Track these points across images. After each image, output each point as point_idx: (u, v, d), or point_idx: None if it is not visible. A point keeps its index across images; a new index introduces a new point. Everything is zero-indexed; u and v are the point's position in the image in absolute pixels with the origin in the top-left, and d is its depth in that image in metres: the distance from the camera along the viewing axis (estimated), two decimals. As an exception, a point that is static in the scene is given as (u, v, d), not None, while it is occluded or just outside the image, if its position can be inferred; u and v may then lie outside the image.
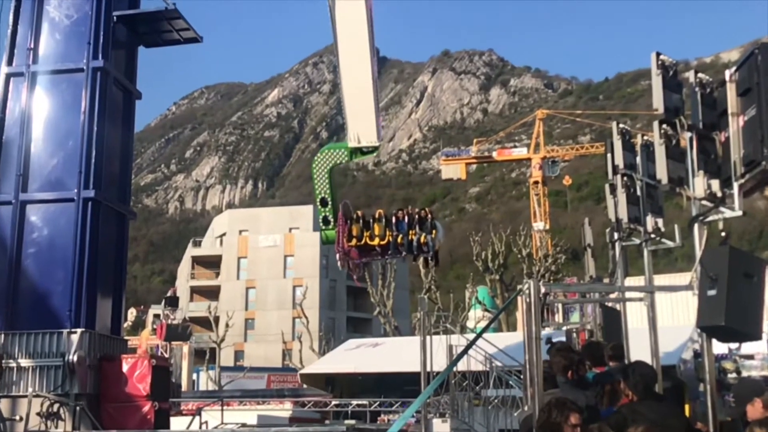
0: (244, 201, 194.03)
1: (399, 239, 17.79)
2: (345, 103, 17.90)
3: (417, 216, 18.08)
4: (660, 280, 23.60)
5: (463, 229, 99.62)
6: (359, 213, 18.41)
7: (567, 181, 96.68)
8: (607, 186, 11.50)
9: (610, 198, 11.22)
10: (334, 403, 27.20)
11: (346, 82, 17.87)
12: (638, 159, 10.18)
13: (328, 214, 18.14)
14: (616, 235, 11.29)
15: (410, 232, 17.86)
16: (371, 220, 18.18)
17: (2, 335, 13.90)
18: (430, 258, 18.31)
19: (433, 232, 17.83)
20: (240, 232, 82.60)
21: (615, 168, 10.42)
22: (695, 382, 11.47)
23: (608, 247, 12.72)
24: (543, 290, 7.45)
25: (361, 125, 17.60)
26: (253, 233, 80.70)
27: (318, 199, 18.27)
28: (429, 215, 18.10)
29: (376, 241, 17.93)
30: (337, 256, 18.10)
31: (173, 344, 35.31)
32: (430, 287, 49.11)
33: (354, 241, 17.91)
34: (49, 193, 14.90)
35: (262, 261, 79.48)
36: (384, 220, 18.11)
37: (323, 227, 18.27)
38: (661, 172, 7.05)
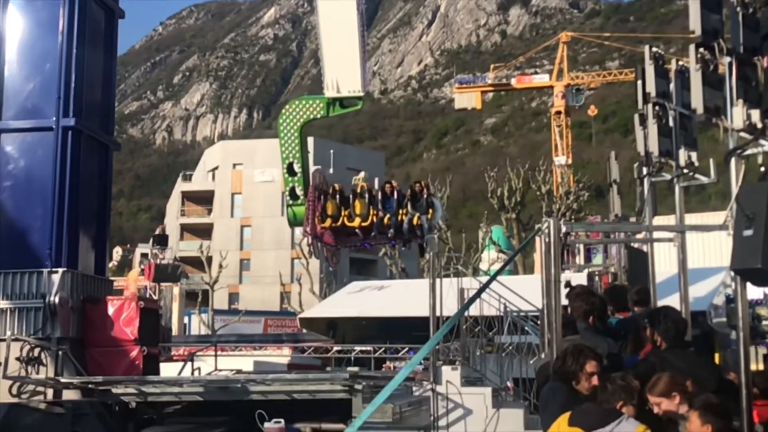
0: (238, 132, 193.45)
1: (385, 220, 15.71)
2: (322, 43, 16.02)
3: (410, 191, 16.04)
4: (691, 219, 23.62)
5: (478, 164, 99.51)
6: (336, 186, 16.35)
7: (592, 111, 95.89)
8: (636, 116, 11.44)
9: (639, 129, 11.17)
10: (335, 349, 27.56)
11: (324, 18, 15.93)
12: (672, 86, 10.09)
13: (296, 185, 16.00)
14: (645, 170, 11.28)
15: (400, 211, 15.70)
16: (351, 196, 16.05)
17: (-22, 275, 14.00)
18: (425, 244, 16.07)
19: (430, 211, 15.85)
20: (234, 165, 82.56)
21: (646, 96, 10.34)
22: (726, 329, 11.57)
23: (636, 183, 12.70)
24: (564, 230, 7.49)
25: (342, 70, 15.56)
26: (248, 167, 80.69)
27: (284, 165, 16.17)
28: (425, 190, 16.12)
29: (357, 221, 15.73)
30: (306, 240, 16.11)
31: (163, 286, 35.66)
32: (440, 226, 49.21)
33: (328, 222, 15.75)
34: (25, 121, 14.84)
35: (259, 197, 79.63)
36: (367, 195, 15.99)
37: (290, 202, 16.23)
38: (697, 100, 6.99)
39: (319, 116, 16.17)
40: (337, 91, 15.72)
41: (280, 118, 16.47)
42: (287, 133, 16.19)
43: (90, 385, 12.95)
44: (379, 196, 16.07)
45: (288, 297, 56.09)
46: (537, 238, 8.09)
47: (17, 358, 13.09)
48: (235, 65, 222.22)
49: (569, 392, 6.11)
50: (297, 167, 16.21)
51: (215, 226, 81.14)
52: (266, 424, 11.32)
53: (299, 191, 16.12)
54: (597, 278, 15.09)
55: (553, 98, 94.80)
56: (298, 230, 17.10)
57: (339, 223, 15.95)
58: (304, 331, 32.24)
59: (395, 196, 16.05)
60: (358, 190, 16.28)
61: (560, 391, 6.18)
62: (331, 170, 76.94)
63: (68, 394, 13.22)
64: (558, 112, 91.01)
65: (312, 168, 16.99)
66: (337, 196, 16.11)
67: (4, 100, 14.95)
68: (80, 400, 13.02)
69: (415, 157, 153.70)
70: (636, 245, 12.96)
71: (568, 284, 7.71)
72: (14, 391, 13.01)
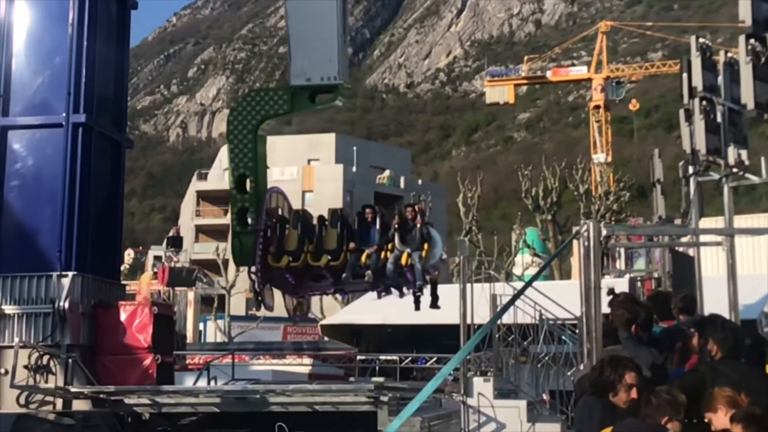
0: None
1: (363, 257, 12.80)
2: (290, 19, 13.73)
3: (398, 218, 13.07)
4: (741, 221, 23.44)
5: (511, 162, 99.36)
6: (301, 211, 13.99)
7: (634, 105, 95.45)
8: (681, 112, 11.36)
9: (685, 126, 11.10)
10: (359, 358, 27.61)
11: None
12: (720, 80, 10.04)
13: (247, 204, 13.56)
14: (691, 169, 11.21)
15: (384, 246, 12.90)
16: (320, 225, 13.28)
17: (-16, 279, 14.14)
18: (417, 291, 13.35)
19: (424, 246, 12.95)
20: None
21: (692, 90, 10.28)
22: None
23: (681, 182, 12.63)
24: (604, 232, 7.45)
25: (314, 52, 13.05)
26: (267, 165, 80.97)
27: (233, 178, 13.89)
28: (417, 216, 12.98)
29: (324, 260, 12.87)
30: (254, 285, 13.28)
31: (177, 290, 35.93)
32: (471, 228, 49.22)
33: (285, 260, 12.97)
34: (33, 117, 14.96)
35: None
36: (340, 222, 13.22)
37: (237, 228, 13.65)
38: (747, 95, 6.95)
39: (281, 112, 13.61)
40: (306, 79, 13.05)
41: (230, 115, 13.96)
42: (238, 136, 13.56)
43: (101, 395, 13.05)
44: (356, 224, 13.14)
45: (308, 303, 56.17)
46: (575, 242, 8.06)
47: (25, 366, 13.20)
48: (253, 58, 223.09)
49: (606, 407, 6.09)
50: (249, 183, 13.62)
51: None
52: (286, 438, 11.36)
53: (250, 213, 13.47)
54: (639, 284, 15.00)
55: (592, 92, 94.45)
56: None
57: (300, 262, 12.99)
58: (326, 338, 32.36)
59: (377, 224, 13.06)
60: (328, 217, 13.41)
61: (597, 407, 6.16)
62: (354, 168, 77.23)
63: (78, 405, 13.32)
64: (597, 107, 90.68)
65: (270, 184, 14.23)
66: (300, 224, 13.26)
67: (11, 95, 15.07)
68: (91, 410, 13.13)
69: (443, 155, 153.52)
70: (681, 249, 12.88)
71: (611, 291, 7.68)
72: (22, 400, 13.13)
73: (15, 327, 13.85)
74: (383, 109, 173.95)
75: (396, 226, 12.90)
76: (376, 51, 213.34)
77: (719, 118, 9.95)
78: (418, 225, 12.83)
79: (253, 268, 13.06)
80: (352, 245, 12.85)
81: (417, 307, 13.76)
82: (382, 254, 12.79)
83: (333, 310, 44.42)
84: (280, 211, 13.77)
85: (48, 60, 15.22)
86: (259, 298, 13.41)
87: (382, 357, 27.01)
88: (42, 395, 13.20)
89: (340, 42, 13.17)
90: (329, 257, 12.87)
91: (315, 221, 13.50)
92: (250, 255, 13.19)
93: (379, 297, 14.34)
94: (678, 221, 13.68)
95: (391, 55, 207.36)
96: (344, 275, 12.92)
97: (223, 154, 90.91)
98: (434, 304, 13.72)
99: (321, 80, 13.08)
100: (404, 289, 13.58)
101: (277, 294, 14.20)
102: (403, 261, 12.74)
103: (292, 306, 14.56)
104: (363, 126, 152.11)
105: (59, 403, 13.27)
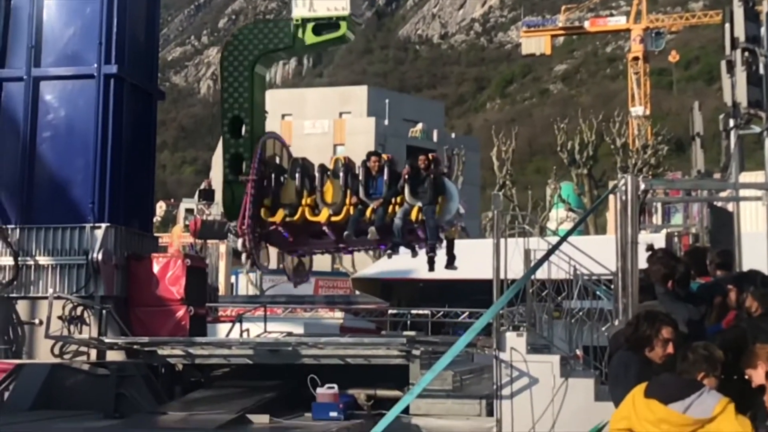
0: (287, 80, 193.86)
1: (368, 211, 11.77)
2: None
3: (408, 168, 11.92)
4: (782, 176, 23.16)
5: (546, 115, 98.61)
6: (300, 159, 12.69)
7: (673, 57, 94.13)
8: (723, 63, 11.23)
9: (726, 78, 10.98)
10: (391, 312, 27.78)
11: None
12: (763, 30, 9.89)
13: (242, 150, 12.64)
14: (731, 122, 11.12)
15: (393, 199, 11.84)
16: (321, 175, 12.18)
17: (17, 230, 14.36)
18: (431, 252, 12.37)
19: (438, 200, 11.83)
20: (283, 116, 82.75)
21: (734, 41, 10.15)
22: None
23: (721, 136, 12.54)
24: (642, 187, 7.41)
25: None
26: (298, 118, 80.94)
27: (227, 119, 12.92)
28: (430, 165, 11.81)
29: (324, 214, 11.85)
30: (243, 240, 12.24)
31: (209, 243, 36.18)
32: (505, 183, 49.07)
33: (280, 214, 12.05)
34: (65, 68, 15.04)
35: (308, 150, 78.60)
36: (344, 172, 12.02)
37: (230, 175, 12.75)
38: (792, 45, 6.84)
39: (281, 46, 12.40)
40: (310, 9, 12.01)
41: (225, 50, 12.86)
42: (234, 73, 12.46)
43: (135, 346, 13.26)
44: (361, 175, 11.95)
45: (340, 256, 56.47)
46: (610, 196, 8.03)
47: (59, 317, 13.43)
48: (284, 8, 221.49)
49: (642, 362, 6.10)
50: (246, 122, 12.53)
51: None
52: (319, 390, 11.48)
53: (244, 158, 12.58)
54: (676, 239, 14.94)
55: (631, 43, 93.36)
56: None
57: (297, 216, 12.02)
58: (357, 292, 32.58)
59: (385, 174, 11.83)
60: (331, 166, 12.24)
61: (633, 362, 6.18)
62: (386, 121, 77.00)
63: (112, 355, 13.56)
64: (635, 58, 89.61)
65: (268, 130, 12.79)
66: (298, 174, 12.14)
67: (42, 46, 15.14)
68: (125, 361, 13.34)
69: (477, 107, 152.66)
70: (720, 204, 12.79)
71: (650, 247, 7.64)
72: (56, 351, 13.40)
73: (49, 278, 14.08)
74: (416, 61, 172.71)
75: (406, 176, 11.76)
76: (410, 1, 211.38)
77: (761, 70, 9.84)
78: (432, 176, 11.66)
79: (244, 224, 12.07)
80: (354, 198, 11.85)
81: (431, 268, 12.69)
82: (390, 208, 11.72)
83: (364, 264, 44.66)
84: (277, 160, 12.81)
85: (79, 10, 15.24)
86: (251, 258, 12.35)
87: (414, 311, 27.15)
88: (76, 346, 13.45)
89: None
90: (330, 211, 11.85)
91: (312, 171, 12.41)
92: (240, 205, 12.49)
93: (389, 257, 13.32)
94: (717, 175, 13.59)
95: (424, 5, 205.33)
96: (346, 232, 11.91)
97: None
98: (450, 265, 12.74)
99: (327, 11, 12.06)
100: (416, 248, 12.52)
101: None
102: (413, 216, 11.62)
103: (292, 266, 13.53)
104: (395, 78, 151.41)
105: (93, 353, 13.52)
